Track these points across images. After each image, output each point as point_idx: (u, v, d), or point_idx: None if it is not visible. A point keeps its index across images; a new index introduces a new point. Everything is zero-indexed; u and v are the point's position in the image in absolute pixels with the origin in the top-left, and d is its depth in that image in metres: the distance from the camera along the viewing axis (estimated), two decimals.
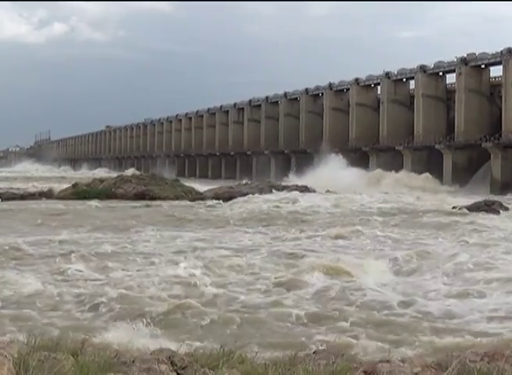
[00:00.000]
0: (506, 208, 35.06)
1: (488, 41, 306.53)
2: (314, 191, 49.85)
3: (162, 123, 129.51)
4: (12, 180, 79.15)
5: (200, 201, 41.92)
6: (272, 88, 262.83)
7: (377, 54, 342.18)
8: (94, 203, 39.36)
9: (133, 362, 5.30)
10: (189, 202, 41.87)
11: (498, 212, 33.34)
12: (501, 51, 62.54)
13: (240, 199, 42.86)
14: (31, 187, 54.92)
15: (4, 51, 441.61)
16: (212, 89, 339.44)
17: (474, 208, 34.52)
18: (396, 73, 75.61)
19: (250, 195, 44.65)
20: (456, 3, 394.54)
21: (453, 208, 35.91)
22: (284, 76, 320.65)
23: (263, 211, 35.45)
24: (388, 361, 5.31)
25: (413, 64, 73.24)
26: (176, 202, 42.09)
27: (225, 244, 21.38)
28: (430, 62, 71.03)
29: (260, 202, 40.36)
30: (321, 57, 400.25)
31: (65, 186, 48.06)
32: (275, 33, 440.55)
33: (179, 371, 5.22)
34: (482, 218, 30.55)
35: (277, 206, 37.99)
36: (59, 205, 38.84)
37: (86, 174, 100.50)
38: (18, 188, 51.32)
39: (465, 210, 34.26)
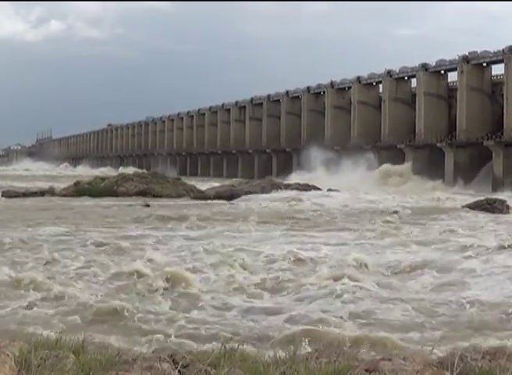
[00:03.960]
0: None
1: (490, 40, 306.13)
2: (316, 189, 49.72)
3: (164, 122, 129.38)
4: (14, 178, 79.12)
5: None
6: (274, 87, 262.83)
7: (377, 51, 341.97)
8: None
9: (135, 360, 5.29)
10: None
11: (499, 211, 33.23)
12: (503, 50, 62.42)
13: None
14: (33, 185, 54.91)
15: (2, 50, 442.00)
16: (214, 87, 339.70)
17: (476, 206, 34.49)
18: (397, 71, 75.44)
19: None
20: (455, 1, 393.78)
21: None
22: (286, 74, 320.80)
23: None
24: (390, 359, 5.30)
25: (413, 62, 73.29)
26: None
27: None
28: (432, 61, 71.01)
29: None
30: (322, 55, 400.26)
31: (66, 184, 48.10)
32: (275, 31, 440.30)
33: (180, 369, 5.20)
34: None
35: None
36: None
37: (87, 172, 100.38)
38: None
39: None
